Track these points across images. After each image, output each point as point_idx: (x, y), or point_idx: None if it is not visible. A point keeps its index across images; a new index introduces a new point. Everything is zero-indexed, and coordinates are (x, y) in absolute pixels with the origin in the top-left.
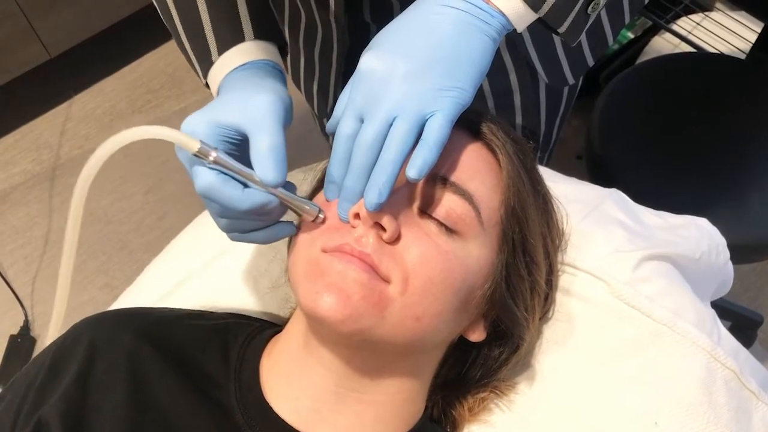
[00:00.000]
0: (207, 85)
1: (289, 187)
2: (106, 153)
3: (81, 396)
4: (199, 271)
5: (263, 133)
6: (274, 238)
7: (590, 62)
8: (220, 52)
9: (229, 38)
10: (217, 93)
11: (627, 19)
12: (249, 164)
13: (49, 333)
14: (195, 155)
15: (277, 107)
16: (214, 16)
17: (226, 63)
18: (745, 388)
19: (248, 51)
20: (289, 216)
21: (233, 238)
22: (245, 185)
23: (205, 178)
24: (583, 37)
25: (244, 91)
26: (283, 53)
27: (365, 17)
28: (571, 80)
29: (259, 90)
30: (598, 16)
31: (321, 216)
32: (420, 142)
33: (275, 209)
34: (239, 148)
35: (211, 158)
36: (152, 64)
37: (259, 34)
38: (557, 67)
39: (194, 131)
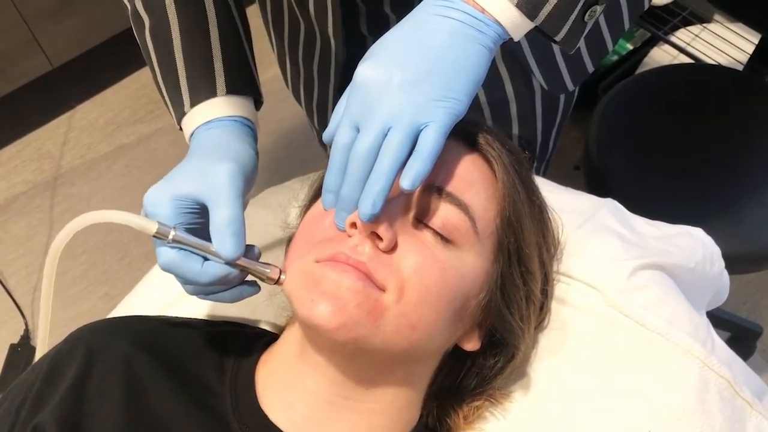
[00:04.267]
0: (180, 128)
1: (249, 252)
2: (65, 238)
3: (77, 403)
4: None
5: (221, 206)
6: (238, 298)
7: (590, 68)
8: (192, 105)
9: (202, 93)
10: (189, 139)
11: (626, 26)
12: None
13: (37, 348)
14: (154, 236)
15: (236, 177)
16: (190, 69)
17: (198, 115)
18: (738, 397)
19: (219, 107)
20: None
21: (200, 297)
22: (206, 258)
23: (165, 255)
24: (582, 44)
25: (205, 158)
26: (257, 104)
27: (362, 30)
28: (570, 87)
29: (220, 158)
30: (597, 23)
31: (282, 277)
32: (413, 153)
33: (237, 276)
34: (202, 214)
35: (169, 238)
36: None
37: (233, 89)
38: (557, 73)
39: (156, 205)
